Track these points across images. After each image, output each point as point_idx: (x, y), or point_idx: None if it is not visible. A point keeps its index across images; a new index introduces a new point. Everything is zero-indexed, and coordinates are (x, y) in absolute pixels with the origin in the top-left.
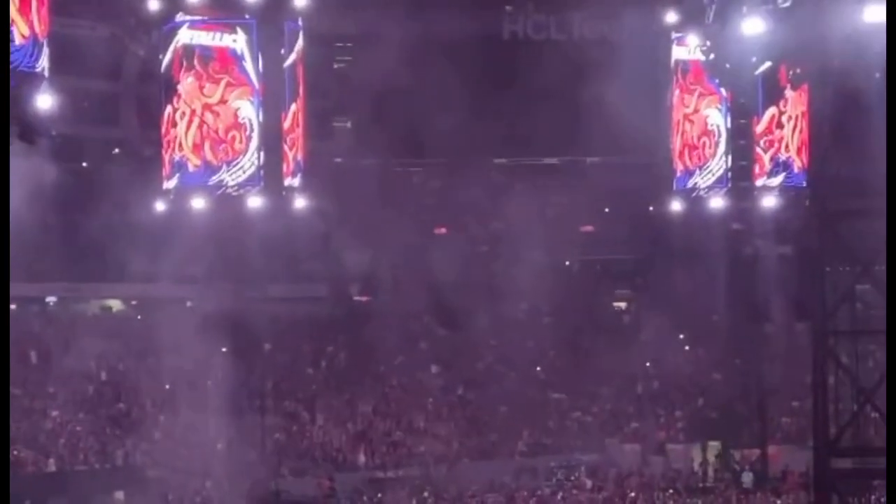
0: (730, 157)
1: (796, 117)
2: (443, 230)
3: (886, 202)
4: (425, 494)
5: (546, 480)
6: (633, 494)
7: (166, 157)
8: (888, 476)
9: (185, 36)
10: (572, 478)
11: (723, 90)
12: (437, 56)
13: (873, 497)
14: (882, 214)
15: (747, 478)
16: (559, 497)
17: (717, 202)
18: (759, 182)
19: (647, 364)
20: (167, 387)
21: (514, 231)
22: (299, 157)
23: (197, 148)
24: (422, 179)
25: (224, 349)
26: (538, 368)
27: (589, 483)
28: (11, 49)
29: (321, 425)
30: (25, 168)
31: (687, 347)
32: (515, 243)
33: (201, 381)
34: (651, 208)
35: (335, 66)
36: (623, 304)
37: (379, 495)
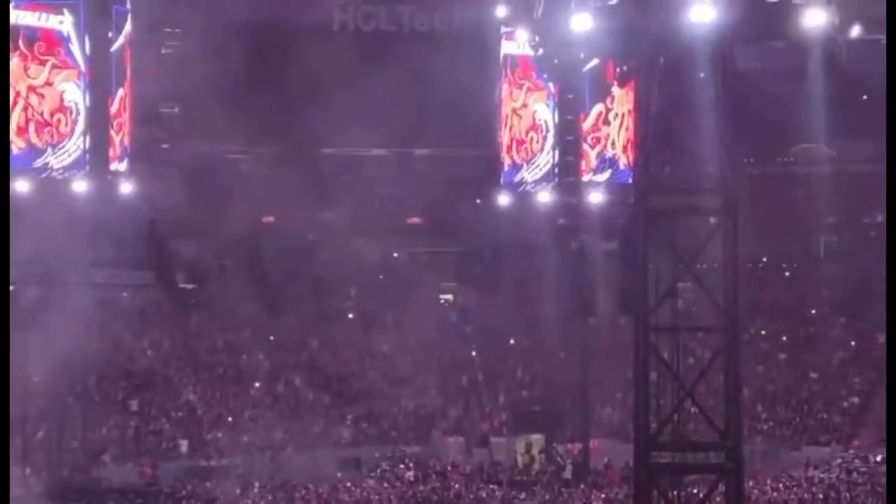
0: (557, 153)
1: (623, 115)
2: (270, 219)
3: (886, 202)
4: (252, 483)
5: (370, 471)
6: (456, 487)
7: None
8: (888, 476)
9: (10, 16)
10: (396, 469)
11: (551, 86)
12: (267, 44)
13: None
14: (705, 212)
15: (569, 471)
16: (382, 488)
17: (544, 197)
18: (585, 178)
19: (472, 356)
20: None
21: (342, 221)
22: (126, 141)
23: (21, 131)
24: (249, 167)
25: (45, 335)
26: (364, 359)
27: (412, 475)
28: None
29: (144, 412)
30: None
31: (512, 341)
32: (343, 233)
33: (21, 367)
34: (479, 201)
35: (163, 51)
36: (449, 297)
37: (207, 484)
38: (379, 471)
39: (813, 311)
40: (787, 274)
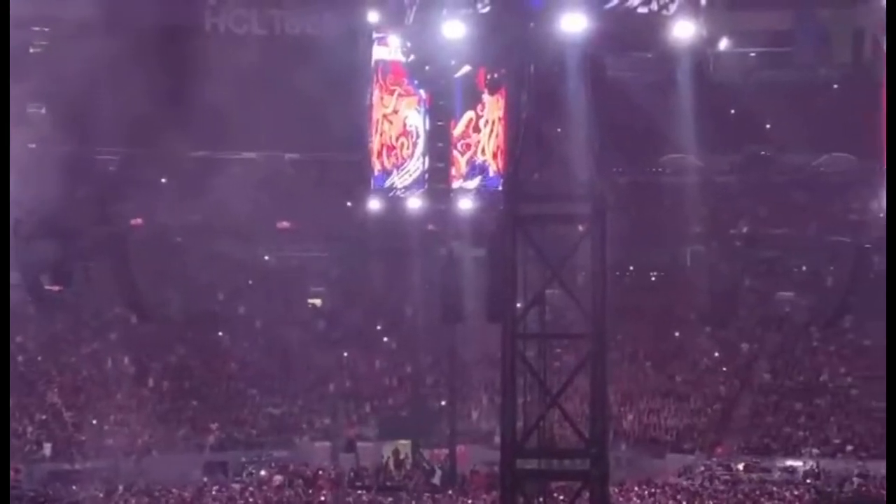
0: (427, 159)
1: (493, 122)
2: (138, 221)
3: (886, 202)
4: (116, 486)
5: (236, 475)
6: (323, 492)
7: None
8: (888, 476)
9: None
10: (262, 473)
11: (422, 92)
12: (137, 44)
13: (560, 497)
14: (573, 219)
15: (437, 476)
16: (248, 493)
17: (414, 202)
18: (455, 184)
19: (340, 361)
20: None
21: (211, 224)
22: None
23: None
24: (118, 169)
25: None
26: (232, 363)
27: (279, 479)
28: None
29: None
30: None
31: (380, 346)
32: (212, 236)
33: None
34: (349, 205)
35: (31, 50)
36: (318, 301)
37: (71, 487)
38: (245, 475)
39: (678, 320)
40: (653, 281)
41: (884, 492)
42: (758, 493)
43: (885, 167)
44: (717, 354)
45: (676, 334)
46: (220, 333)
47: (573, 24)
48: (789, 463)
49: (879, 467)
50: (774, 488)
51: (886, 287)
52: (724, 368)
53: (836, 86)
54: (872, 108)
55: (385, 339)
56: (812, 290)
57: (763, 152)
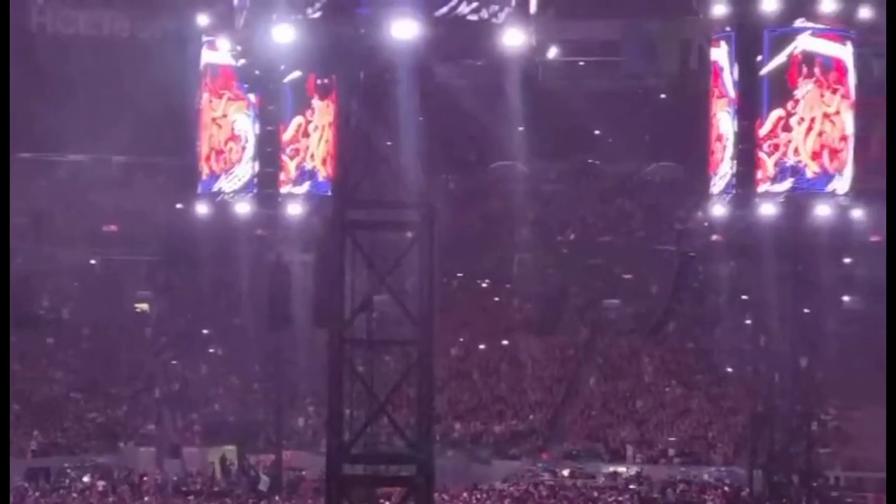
0: (257, 164)
1: (323, 127)
2: None
3: (886, 202)
4: None
5: (58, 482)
6: (147, 498)
7: None
8: (888, 476)
9: None
10: (85, 479)
11: (252, 96)
12: None
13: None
14: (402, 226)
15: (263, 482)
16: (71, 499)
17: (242, 207)
18: (284, 189)
19: (167, 367)
20: None
21: (38, 226)
22: None
23: None
24: None
25: None
26: (55, 368)
27: (102, 485)
28: None
29: None
30: None
31: (210, 350)
32: (39, 239)
33: None
34: (179, 207)
35: None
36: (145, 306)
37: None
38: (67, 481)
39: (506, 326)
40: (482, 288)
41: (706, 496)
42: (582, 498)
43: (886, 167)
44: (543, 361)
45: (504, 341)
46: (45, 338)
47: (403, 31)
48: (613, 469)
49: (701, 472)
50: (598, 494)
51: (886, 287)
52: (551, 375)
53: (662, 96)
54: (698, 118)
55: (212, 344)
56: (637, 297)
57: (590, 160)
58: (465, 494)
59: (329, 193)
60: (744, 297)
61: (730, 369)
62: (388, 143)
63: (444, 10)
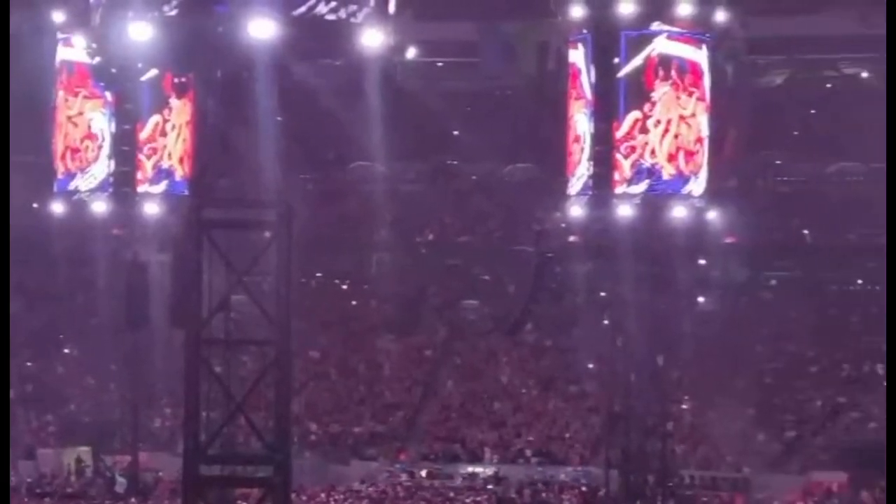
0: (113, 163)
1: (180, 126)
2: None
3: (886, 202)
4: None
5: None
6: None
7: None
8: (888, 476)
9: None
10: None
11: (108, 94)
12: None
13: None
14: (259, 225)
15: (119, 484)
16: None
17: (99, 206)
18: (141, 188)
19: (21, 367)
20: None
21: None
22: None
23: None
24: None
25: None
26: None
27: None
28: None
29: None
30: None
31: (65, 350)
32: None
33: None
34: (35, 207)
35: None
36: None
37: None
38: None
39: (364, 327)
40: (341, 289)
41: (563, 496)
42: (440, 499)
43: (886, 167)
44: (401, 362)
45: (362, 341)
46: None
47: (261, 30)
48: (471, 469)
49: (559, 472)
50: (456, 494)
51: (887, 287)
52: (409, 376)
53: (520, 97)
54: (556, 120)
55: (68, 344)
56: (495, 297)
57: (449, 161)
58: (322, 495)
59: (186, 192)
60: (601, 297)
61: (588, 368)
62: (246, 141)
63: (303, 9)
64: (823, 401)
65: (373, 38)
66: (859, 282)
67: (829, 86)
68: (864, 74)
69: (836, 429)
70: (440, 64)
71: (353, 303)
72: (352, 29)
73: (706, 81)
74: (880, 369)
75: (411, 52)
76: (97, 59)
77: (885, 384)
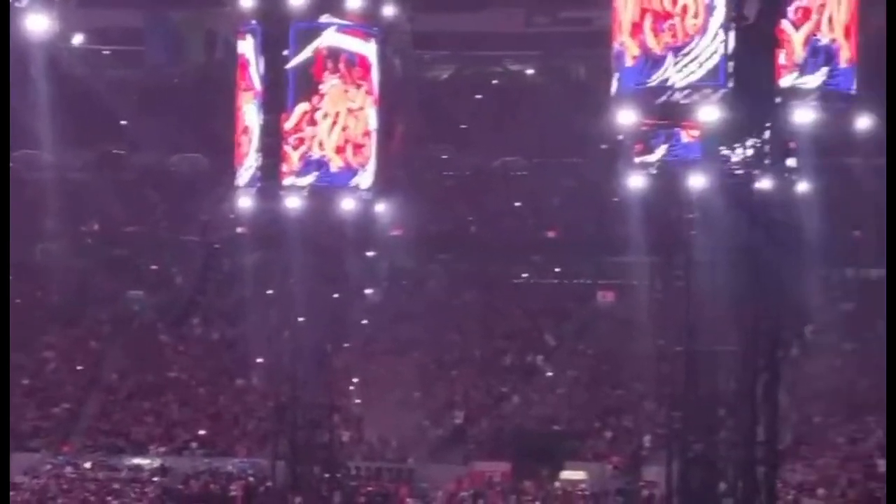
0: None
1: None
2: None
3: (886, 202)
4: None
5: None
6: None
7: None
8: (888, 476)
9: None
10: None
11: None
12: None
13: None
14: None
15: None
16: None
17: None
18: None
19: None
20: None
21: None
22: None
23: None
24: None
25: None
26: None
27: None
28: None
29: None
30: None
31: None
32: None
33: None
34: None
35: None
36: None
37: None
38: None
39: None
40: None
41: (231, 487)
42: (105, 490)
43: (886, 167)
44: (67, 353)
45: (26, 332)
46: None
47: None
48: (137, 461)
49: (225, 464)
50: (122, 486)
51: (886, 288)
52: (74, 367)
53: (188, 86)
54: (224, 109)
55: None
56: (161, 288)
57: (116, 150)
58: None
59: None
60: (269, 289)
61: (257, 361)
62: None
63: None
64: (487, 390)
65: (38, 24)
66: (524, 275)
67: (494, 82)
68: (529, 71)
69: (500, 418)
70: (106, 52)
71: (19, 293)
72: (16, 13)
73: (374, 75)
74: (540, 360)
75: (78, 39)
76: None
77: (886, 385)
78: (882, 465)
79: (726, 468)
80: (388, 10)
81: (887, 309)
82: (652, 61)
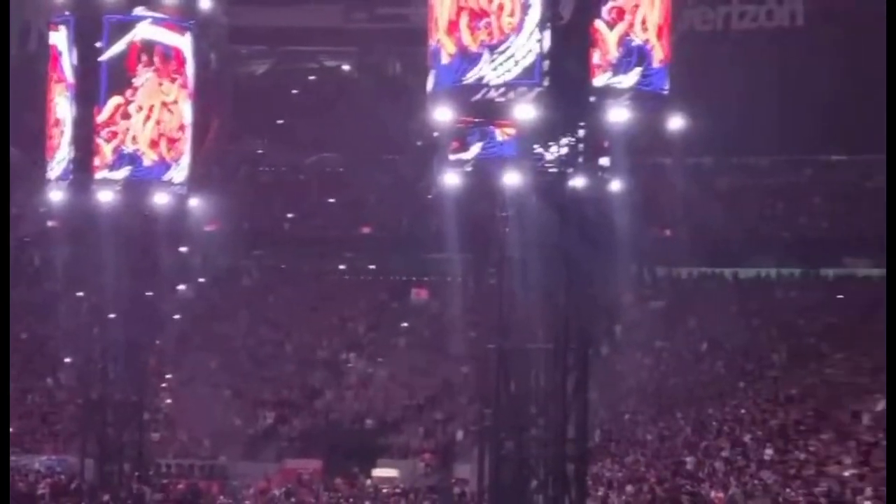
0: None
1: None
2: None
3: (886, 201)
4: None
5: None
6: None
7: None
8: (888, 476)
9: None
10: None
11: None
12: None
13: None
14: None
15: None
16: None
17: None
18: None
19: None
20: None
21: None
22: None
23: None
24: None
25: None
26: None
27: None
28: None
29: None
30: None
31: None
32: None
33: None
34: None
35: None
36: None
37: None
38: None
39: None
40: None
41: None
42: None
43: (886, 167)
44: None
45: None
46: None
47: None
48: None
49: (32, 461)
50: None
51: (886, 286)
52: None
53: None
54: (37, 101)
55: None
56: None
57: None
58: None
59: None
60: (80, 285)
61: (65, 357)
62: None
63: None
64: (300, 387)
65: None
66: (340, 267)
67: (311, 78)
68: (346, 67)
69: (313, 415)
70: None
71: None
72: None
73: (189, 69)
74: (353, 357)
75: None
76: None
77: (886, 384)
78: (690, 462)
79: (537, 465)
80: (204, 4)
81: (887, 309)
82: (468, 59)
